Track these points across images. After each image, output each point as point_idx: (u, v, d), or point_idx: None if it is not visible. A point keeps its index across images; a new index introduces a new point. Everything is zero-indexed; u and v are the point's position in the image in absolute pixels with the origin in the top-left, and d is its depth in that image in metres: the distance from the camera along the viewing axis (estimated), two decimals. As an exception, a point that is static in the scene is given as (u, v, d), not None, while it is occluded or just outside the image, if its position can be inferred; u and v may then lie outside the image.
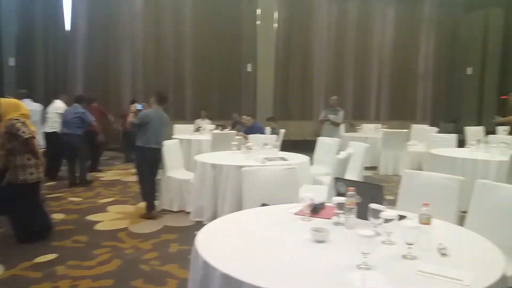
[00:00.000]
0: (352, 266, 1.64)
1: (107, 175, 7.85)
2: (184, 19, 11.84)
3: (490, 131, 8.43)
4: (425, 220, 1.90)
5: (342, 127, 9.41)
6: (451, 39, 13.19)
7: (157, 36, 11.77)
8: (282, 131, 8.30)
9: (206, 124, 9.13)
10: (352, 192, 2.17)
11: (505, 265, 1.72)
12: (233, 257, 1.79)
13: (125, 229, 4.65)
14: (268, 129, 8.23)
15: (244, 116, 8.43)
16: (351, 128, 10.27)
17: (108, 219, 5.03)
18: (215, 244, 1.96)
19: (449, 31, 13.16)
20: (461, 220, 2.70)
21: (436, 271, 1.59)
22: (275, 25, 11.66)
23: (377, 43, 12.89)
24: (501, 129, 8.13)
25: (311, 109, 12.68)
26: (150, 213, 5.09)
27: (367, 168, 8.42)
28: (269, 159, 4.61)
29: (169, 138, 6.65)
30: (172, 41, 11.83)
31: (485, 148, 5.54)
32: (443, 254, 1.80)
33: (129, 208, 5.51)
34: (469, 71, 12.71)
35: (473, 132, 8.39)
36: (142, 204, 5.27)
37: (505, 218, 2.44)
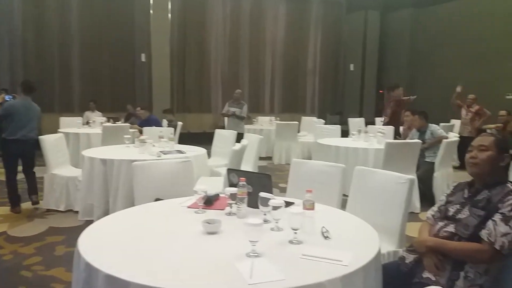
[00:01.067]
0: (242, 255, 1.68)
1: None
2: (70, 2, 10.94)
3: (370, 122, 9.28)
4: (309, 206, 2.02)
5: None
6: (335, 38, 14.16)
7: (39, 19, 10.71)
8: (180, 123, 8.18)
9: (97, 117, 8.60)
10: (243, 182, 2.22)
11: (379, 243, 1.89)
12: (120, 256, 1.71)
13: (3, 233, 4.21)
14: (165, 122, 8.04)
15: (138, 108, 8.12)
16: (248, 120, 10.51)
17: (-19, 224, 4.51)
18: (100, 243, 1.85)
19: (334, 30, 14.10)
20: (344, 203, 2.92)
21: (319, 254, 1.70)
22: (169, 15, 11.38)
23: (270, 38, 13.30)
24: (378, 120, 8.98)
25: (209, 101, 12.69)
26: (15, 209, 4.88)
27: (262, 158, 8.75)
28: (165, 153, 4.51)
29: (55, 131, 6.17)
30: (56, 25, 10.88)
31: (365, 137, 6.07)
32: (326, 237, 1.93)
33: (7, 210, 4.98)
34: (352, 67, 13.80)
35: (355, 123, 9.14)
36: (25, 205, 4.88)
37: (379, 200, 2.69)
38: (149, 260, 1.69)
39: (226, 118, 8.72)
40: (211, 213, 2.30)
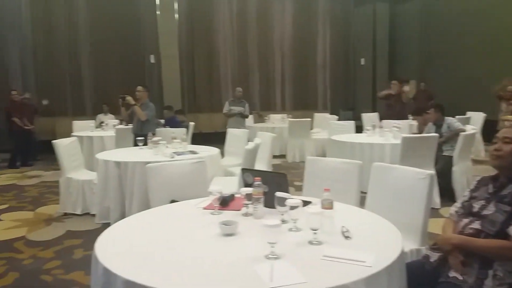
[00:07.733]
0: (261, 257, 1.64)
1: (-1, 180, 7.11)
2: (77, 7, 11.01)
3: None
4: (327, 205, 1.96)
5: (251, 118, 9.57)
6: (344, 32, 14.00)
7: (48, 25, 10.80)
8: (192, 124, 8.18)
9: (109, 119, 8.65)
10: (259, 182, 2.17)
11: (403, 242, 1.82)
12: (137, 260, 1.68)
13: (22, 237, 4.24)
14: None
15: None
16: (259, 119, 10.49)
17: (2, 228, 4.55)
18: (116, 248, 1.83)
19: (342, 25, 13.94)
20: (363, 201, 2.85)
21: (340, 255, 1.65)
22: (176, 15, 11.38)
23: (278, 35, 13.20)
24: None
25: (220, 101, 12.61)
26: None
27: (276, 157, 8.70)
28: (178, 154, 4.49)
29: (68, 135, 6.23)
30: (65, 31, 10.95)
31: (380, 132, 5.97)
32: (347, 237, 1.87)
33: (26, 214, 5.04)
34: (362, 61, 13.64)
35: (369, 118, 9.02)
36: (42, 209, 4.88)
37: (399, 197, 2.61)
38: (166, 263, 1.66)
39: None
40: (227, 214, 2.26)
